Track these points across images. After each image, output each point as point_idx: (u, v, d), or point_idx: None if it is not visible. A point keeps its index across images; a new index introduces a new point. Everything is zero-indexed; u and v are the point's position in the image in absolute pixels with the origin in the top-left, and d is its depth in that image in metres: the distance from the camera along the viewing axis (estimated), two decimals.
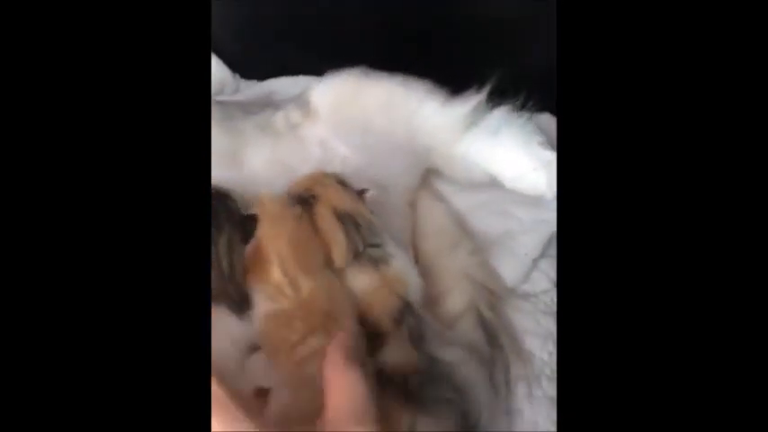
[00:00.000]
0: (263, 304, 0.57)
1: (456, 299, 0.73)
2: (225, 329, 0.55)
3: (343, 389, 0.49)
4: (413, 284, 0.65)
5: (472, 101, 0.74)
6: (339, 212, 0.65)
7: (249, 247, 0.59)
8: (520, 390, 0.69)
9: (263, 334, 0.56)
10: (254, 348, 0.56)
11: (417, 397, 0.60)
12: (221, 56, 0.89)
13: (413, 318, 0.62)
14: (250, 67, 0.89)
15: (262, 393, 0.55)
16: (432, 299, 0.73)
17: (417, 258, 0.76)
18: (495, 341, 0.71)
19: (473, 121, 0.74)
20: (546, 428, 0.65)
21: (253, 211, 0.61)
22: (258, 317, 0.57)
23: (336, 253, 0.63)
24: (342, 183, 0.68)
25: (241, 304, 0.57)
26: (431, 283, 0.74)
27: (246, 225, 0.59)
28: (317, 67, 0.81)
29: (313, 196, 0.65)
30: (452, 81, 0.75)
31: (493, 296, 0.74)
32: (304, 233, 0.62)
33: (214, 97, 0.83)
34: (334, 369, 0.50)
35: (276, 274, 0.58)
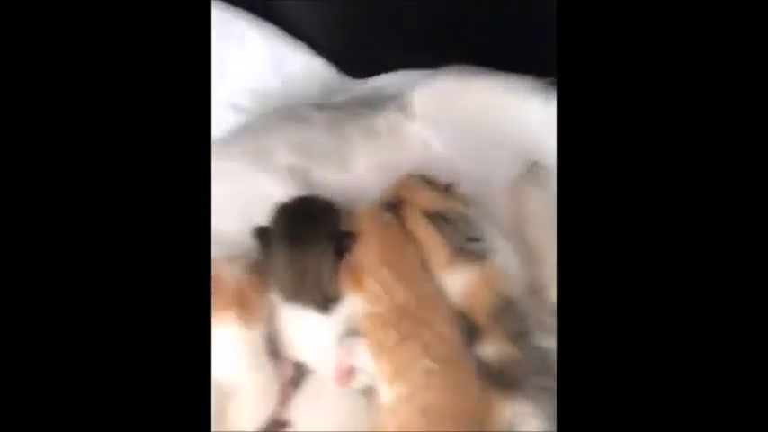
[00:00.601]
0: (360, 307, 0.63)
1: None
2: (310, 326, 0.63)
3: None
4: (515, 278, 0.68)
5: None
6: (429, 213, 0.67)
7: (344, 262, 0.65)
8: None
9: (363, 334, 0.62)
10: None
11: (518, 387, 0.63)
12: (327, 56, 0.93)
13: (512, 314, 0.65)
14: (356, 67, 0.92)
15: None
16: (539, 287, 0.75)
17: (525, 248, 0.78)
18: None
19: None
20: None
21: (350, 226, 0.66)
22: (356, 317, 0.63)
23: (435, 254, 0.67)
24: (428, 182, 0.70)
25: (326, 304, 0.64)
26: (538, 271, 0.76)
27: (342, 240, 0.65)
28: (422, 63, 0.83)
29: (401, 202, 0.68)
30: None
31: None
32: (396, 242, 0.66)
33: (318, 102, 0.88)
34: None
35: (371, 284, 0.63)
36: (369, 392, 0.65)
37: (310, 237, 0.65)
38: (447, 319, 0.64)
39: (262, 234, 0.66)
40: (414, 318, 0.63)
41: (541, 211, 0.79)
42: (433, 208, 0.68)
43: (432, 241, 0.67)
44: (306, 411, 0.65)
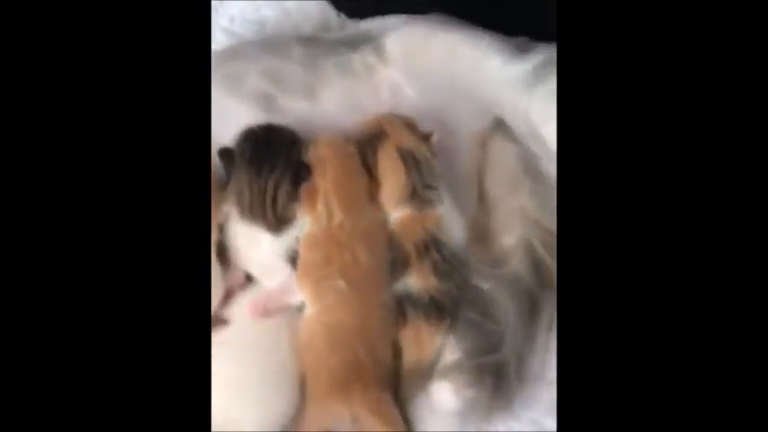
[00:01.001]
0: (302, 229, 0.69)
1: (511, 235, 0.79)
2: (259, 244, 0.70)
3: None
4: (450, 225, 0.73)
5: (536, 59, 0.75)
6: (404, 152, 0.73)
7: (304, 185, 0.70)
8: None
9: (300, 255, 0.69)
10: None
11: (447, 320, 0.69)
12: None
13: (440, 254, 0.71)
14: (354, 7, 0.95)
15: None
16: (488, 233, 0.80)
17: (482, 196, 0.83)
18: (544, 281, 0.77)
19: (537, 79, 0.76)
20: None
21: (312, 155, 0.72)
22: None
23: (392, 189, 0.73)
24: (410, 125, 0.76)
25: (277, 227, 0.70)
26: (489, 220, 0.81)
27: (301, 169, 0.71)
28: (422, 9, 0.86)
29: (381, 135, 0.74)
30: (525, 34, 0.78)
31: (549, 237, 0.78)
32: (351, 173, 0.72)
33: (304, 34, 0.91)
34: None
35: (319, 207, 0.70)
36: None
37: (271, 163, 0.70)
38: (373, 250, 0.70)
39: (225, 154, 0.72)
40: (340, 243, 0.69)
41: (500, 165, 0.83)
42: (408, 148, 0.73)
43: (394, 177, 0.73)
44: (243, 315, 0.71)
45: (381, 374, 0.68)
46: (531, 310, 0.74)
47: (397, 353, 0.70)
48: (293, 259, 0.70)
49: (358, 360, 0.66)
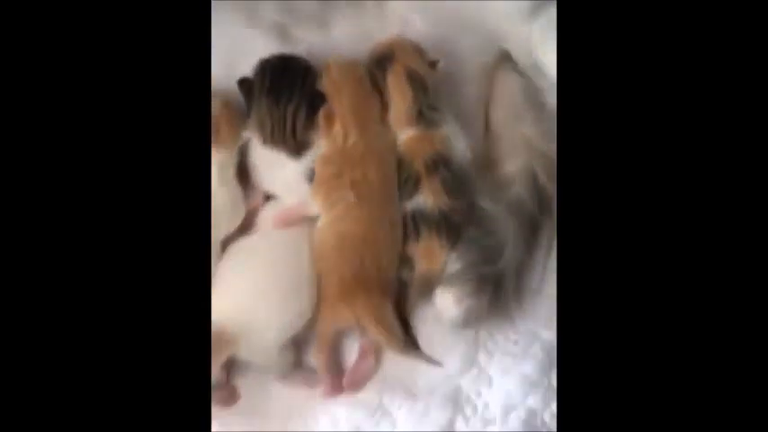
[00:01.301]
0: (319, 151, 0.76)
1: (514, 161, 0.83)
2: (282, 166, 0.76)
3: None
4: (456, 144, 0.78)
5: None
6: (412, 74, 0.78)
7: (322, 110, 0.76)
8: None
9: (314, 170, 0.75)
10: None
11: (453, 236, 0.74)
12: None
13: (448, 170, 0.75)
14: None
15: None
16: (493, 160, 0.84)
17: (488, 125, 0.87)
18: (544, 205, 0.81)
19: (539, 11, 0.79)
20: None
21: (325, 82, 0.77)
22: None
23: (400, 110, 0.78)
24: (418, 50, 0.80)
25: (297, 150, 0.76)
26: (493, 147, 0.85)
27: (316, 98, 0.76)
28: None
29: (391, 56, 0.79)
30: None
31: (550, 164, 0.82)
32: (364, 94, 0.77)
33: None
34: None
35: (336, 128, 0.75)
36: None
37: (288, 92, 0.75)
38: (382, 165, 0.76)
39: (244, 84, 0.77)
40: (352, 160, 0.74)
41: (505, 96, 0.87)
42: (416, 71, 0.78)
43: (402, 97, 0.78)
44: (266, 227, 0.77)
45: (384, 284, 0.73)
46: (530, 231, 0.79)
47: (405, 266, 0.75)
48: (312, 178, 0.76)
49: (363, 268, 0.72)
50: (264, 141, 0.76)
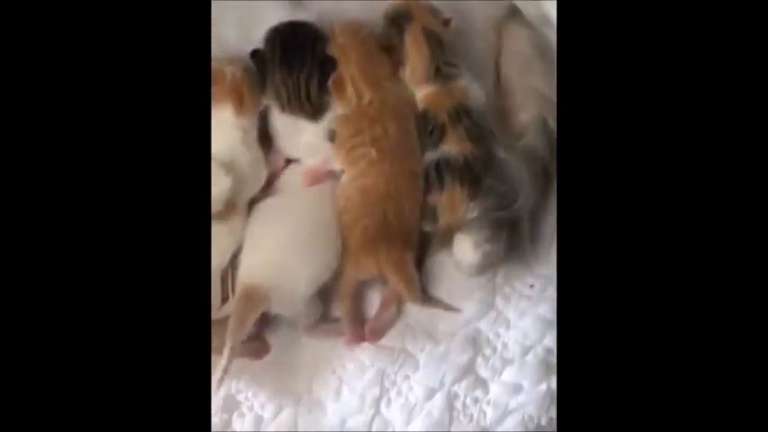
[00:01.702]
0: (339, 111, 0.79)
1: (526, 112, 0.85)
2: (302, 131, 0.79)
3: None
4: (474, 94, 0.80)
5: None
6: (428, 33, 0.80)
7: (333, 77, 0.78)
8: None
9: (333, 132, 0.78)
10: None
11: (475, 185, 0.77)
12: None
13: (471, 120, 0.78)
14: None
15: None
16: (505, 111, 0.86)
17: (499, 78, 0.89)
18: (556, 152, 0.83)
19: None
20: None
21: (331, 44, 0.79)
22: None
23: (419, 67, 0.80)
24: (433, 10, 0.82)
25: (315, 115, 0.79)
26: (506, 99, 0.87)
27: (327, 63, 0.79)
28: None
29: (408, 17, 0.81)
30: None
31: None
32: (371, 53, 0.79)
33: None
34: None
35: (349, 89, 0.78)
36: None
37: (300, 60, 0.78)
38: (401, 123, 0.78)
39: (256, 55, 0.79)
40: (371, 117, 0.77)
41: (515, 49, 0.89)
42: (433, 29, 0.81)
43: (421, 56, 0.80)
44: (290, 184, 0.80)
45: (406, 236, 0.76)
46: (544, 178, 0.81)
47: (427, 217, 0.78)
48: (332, 138, 0.79)
49: (386, 221, 0.75)
50: (282, 109, 0.79)
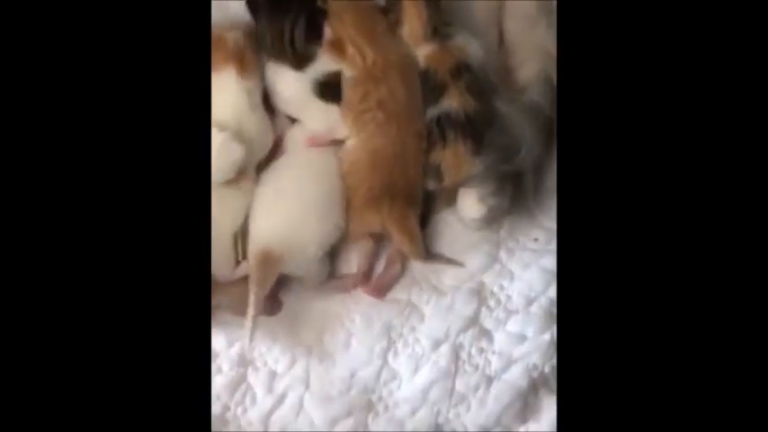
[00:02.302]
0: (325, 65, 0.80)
1: (530, 67, 0.85)
2: (284, 78, 0.80)
3: None
4: (473, 51, 0.81)
5: None
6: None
7: (327, 32, 0.79)
8: None
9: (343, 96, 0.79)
10: None
11: (478, 141, 0.78)
12: None
13: (471, 76, 0.79)
14: None
15: None
16: (508, 69, 0.87)
17: (502, 36, 0.90)
18: None
19: None
20: None
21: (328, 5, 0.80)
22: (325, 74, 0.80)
23: (416, 27, 0.81)
24: None
25: (298, 63, 0.80)
26: (509, 57, 0.88)
27: (315, 12, 0.80)
28: None
29: None
30: None
31: None
32: (369, 13, 0.81)
33: None
34: None
35: (350, 50, 0.79)
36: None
37: (286, 7, 0.80)
38: (405, 78, 0.79)
39: (251, 3, 0.81)
40: (377, 78, 0.78)
41: (517, 6, 0.89)
42: None
43: (418, 16, 0.81)
44: (294, 146, 0.82)
45: (410, 194, 0.78)
46: (547, 133, 0.82)
47: (431, 175, 0.79)
48: (322, 93, 0.80)
49: (392, 179, 0.77)
50: (267, 54, 0.81)
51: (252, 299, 0.72)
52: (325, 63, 0.80)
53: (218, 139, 0.74)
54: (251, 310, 0.71)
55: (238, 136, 0.77)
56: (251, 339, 0.71)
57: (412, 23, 0.81)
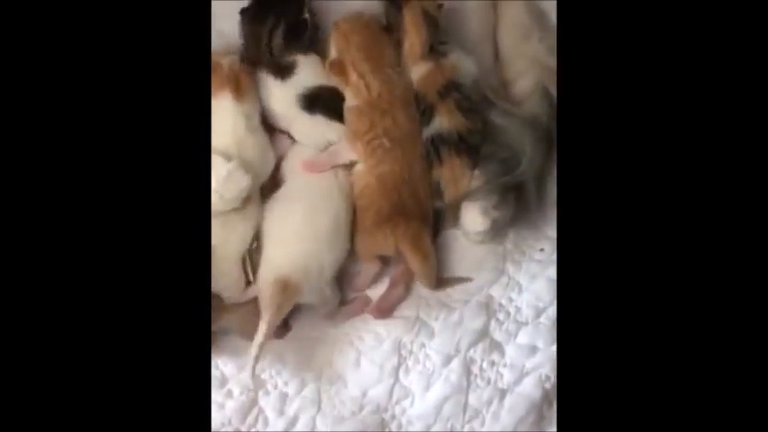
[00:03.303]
0: (348, 101, 0.81)
1: (526, 80, 0.86)
2: (270, 90, 0.80)
3: None
4: (467, 68, 0.82)
5: None
6: (426, 13, 0.82)
7: (328, 62, 0.80)
8: None
9: (346, 123, 0.80)
10: None
11: (473, 154, 0.79)
12: None
13: (459, 93, 0.80)
14: None
15: None
16: (505, 82, 0.88)
17: (497, 51, 0.90)
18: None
19: None
20: None
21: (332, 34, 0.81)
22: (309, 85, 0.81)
23: (415, 47, 0.82)
24: None
25: (282, 72, 0.80)
26: (504, 70, 0.88)
27: (299, 22, 0.80)
28: None
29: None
30: None
31: None
32: (375, 37, 0.82)
33: None
34: None
35: (353, 76, 0.80)
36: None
37: (266, 11, 0.80)
38: (406, 107, 0.81)
39: (243, 12, 0.82)
40: (382, 109, 0.79)
41: (512, 20, 0.90)
42: (430, 11, 0.83)
43: (418, 36, 0.82)
44: (297, 173, 0.82)
45: (422, 213, 0.79)
46: (546, 143, 0.82)
47: (434, 192, 0.80)
48: (307, 106, 0.80)
49: (402, 201, 0.77)
50: (243, 60, 0.81)
51: (263, 327, 0.72)
52: (307, 75, 0.81)
53: (224, 168, 0.75)
54: (260, 338, 0.71)
55: (241, 162, 0.77)
56: (253, 371, 0.71)
57: (412, 40, 0.82)
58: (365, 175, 0.79)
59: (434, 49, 0.82)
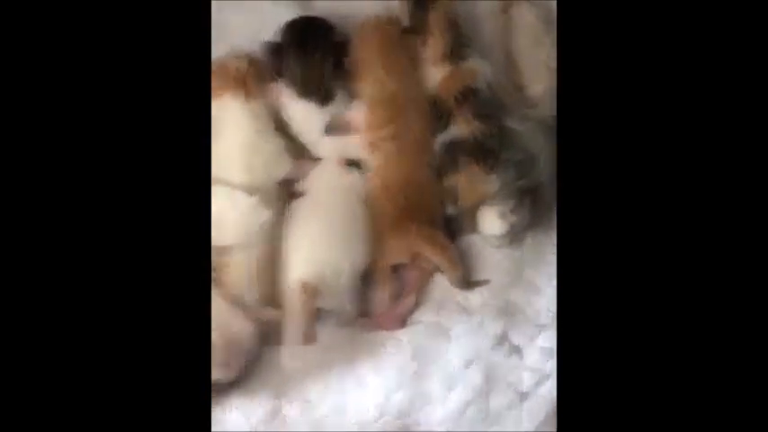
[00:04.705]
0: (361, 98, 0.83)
1: (539, 84, 0.87)
2: (309, 116, 0.83)
3: None
4: (483, 72, 0.84)
5: None
6: (449, 17, 0.85)
7: (348, 61, 0.83)
8: None
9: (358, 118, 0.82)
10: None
11: (490, 160, 0.80)
12: None
13: (476, 99, 0.81)
14: None
15: None
16: (518, 87, 0.88)
17: (509, 55, 0.91)
18: None
19: None
20: None
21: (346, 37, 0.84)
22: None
23: (436, 49, 0.85)
24: None
25: (324, 99, 0.83)
26: (518, 74, 0.89)
27: (338, 48, 0.84)
28: None
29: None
30: None
31: None
32: (391, 42, 0.84)
33: None
34: None
35: (370, 78, 0.82)
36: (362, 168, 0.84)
37: (313, 45, 0.83)
38: (419, 111, 0.83)
39: (272, 46, 0.84)
40: (394, 108, 0.81)
41: (524, 25, 0.91)
42: (453, 14, 0.86)
43: (440, 38, 0.84)
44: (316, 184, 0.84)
45: (431, 218, 0.80)
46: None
47: (450, 199, 0.82)
48: (330, 130, 0.83)
49: (409, 206, 0.79)
50: (298, 93, 0.83)
51: (301, 324, 0.75)
52: (340, 102, 0.84)
53: (245, 203, 0.78)
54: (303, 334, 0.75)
55: (261, 197, 0.80)
56: None
57: (436, 41, 0.84)
58: (372, 178, 0.82)
59: (455, 52, 0.84)
